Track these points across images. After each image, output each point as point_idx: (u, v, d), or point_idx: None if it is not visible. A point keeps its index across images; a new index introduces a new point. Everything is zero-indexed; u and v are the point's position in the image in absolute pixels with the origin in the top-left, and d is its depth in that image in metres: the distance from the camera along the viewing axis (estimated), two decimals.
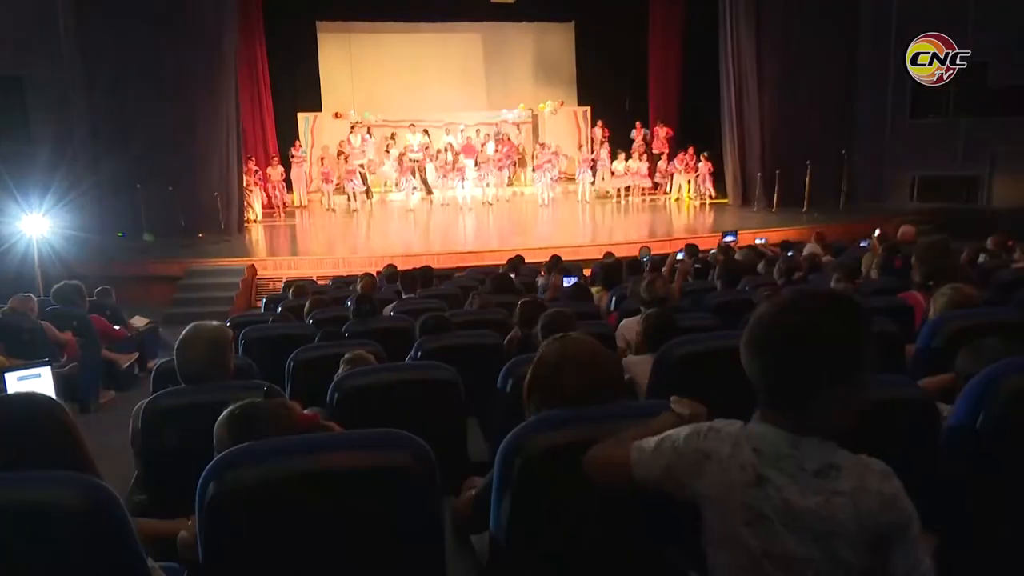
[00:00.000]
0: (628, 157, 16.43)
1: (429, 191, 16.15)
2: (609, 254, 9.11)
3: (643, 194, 16.72)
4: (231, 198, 13.08)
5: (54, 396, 2.16)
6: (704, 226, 13.26)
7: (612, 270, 6.23)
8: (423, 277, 6.44)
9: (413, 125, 16.80)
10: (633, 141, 16.93)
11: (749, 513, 1.29)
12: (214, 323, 2.71)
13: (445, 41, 18.51)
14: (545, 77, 19.07)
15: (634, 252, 9.37)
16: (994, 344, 2.12)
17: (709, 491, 1.34)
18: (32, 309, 6.13)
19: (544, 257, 8.60)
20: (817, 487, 1.25)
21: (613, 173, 16.43)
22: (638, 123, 17.22)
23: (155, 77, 12.36)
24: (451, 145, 16.58)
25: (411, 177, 15.45)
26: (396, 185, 16.01)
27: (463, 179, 15.69)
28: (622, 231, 13.43)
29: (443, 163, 16.13)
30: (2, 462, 1.55)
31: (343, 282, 8.39)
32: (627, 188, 16.50)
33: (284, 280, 9.68)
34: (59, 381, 5.57)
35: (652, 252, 9.21)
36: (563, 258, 8.36)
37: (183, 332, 2.58)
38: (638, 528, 1.65)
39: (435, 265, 8.01)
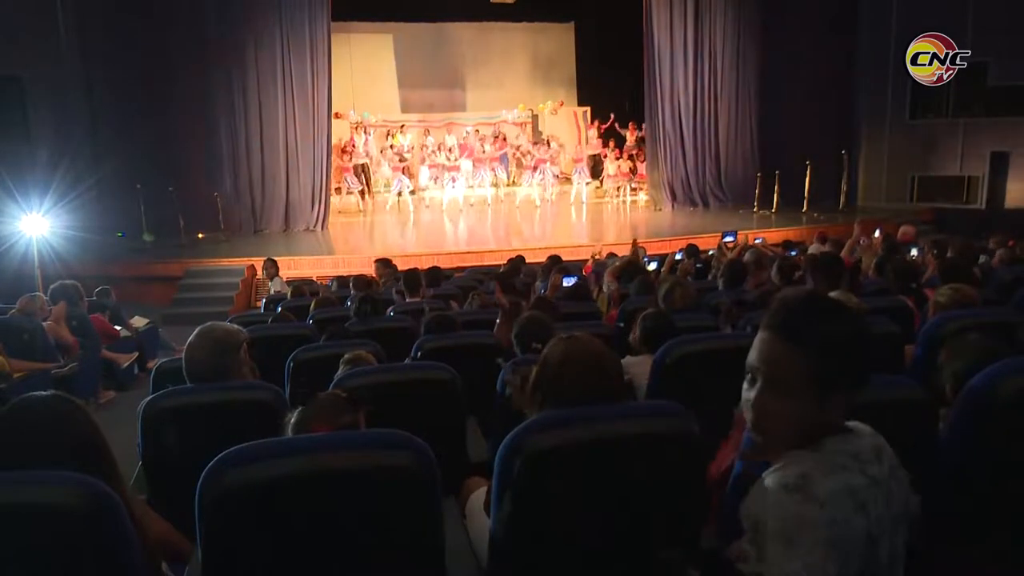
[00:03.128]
0: (619, 157, 16.43)
1: (414, 191, 16.16)
2: (612, 254, 9.11)
3: (633, 192, 16.75)
4: (321, 194, 13.72)
5: None
6: (703, 226, 13.25)
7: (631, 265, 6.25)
8: (430, 277, 6.39)
9: (403, 126, 16.86)
10: (626, 141, 16.93)
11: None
12: (228, 325, 2.70)
13: (445, 41, 18.51)
14: (545, 77, 19.07)
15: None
16: (979, 340, 2.13)
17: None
18: (43, 309, 6.16)
19: (544, 257, 8.57)
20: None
21: (610, 174, 16.43)
22: (631, 124, 17.21)
23: (155, 76, 12.39)
24: (448, 144, 16.57)
25: (402, 177, 15.48)
26: (387, 185, 16.02)
27: (459, 178, 15.69)
28: (620, 231, 13.41)
29: (439, 163, 16.09)
30: (28, 461, 1.56)
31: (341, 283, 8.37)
32: (618, 188, 16.49)
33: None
34: (58, 381, 5.60)
35: (649, 252, 9.19)
36: (563, 258, 8.34)
37: (195, 331, 2.59)
38: (638, 528, 1.65)
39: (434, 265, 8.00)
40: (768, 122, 15.34)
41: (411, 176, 16.12)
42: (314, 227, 13.75)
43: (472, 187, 15.99)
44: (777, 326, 1.22)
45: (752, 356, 1.25)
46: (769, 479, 1.19)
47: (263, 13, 13.08)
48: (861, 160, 15.11)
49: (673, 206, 15.10)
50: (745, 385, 1.27)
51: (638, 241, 9.60)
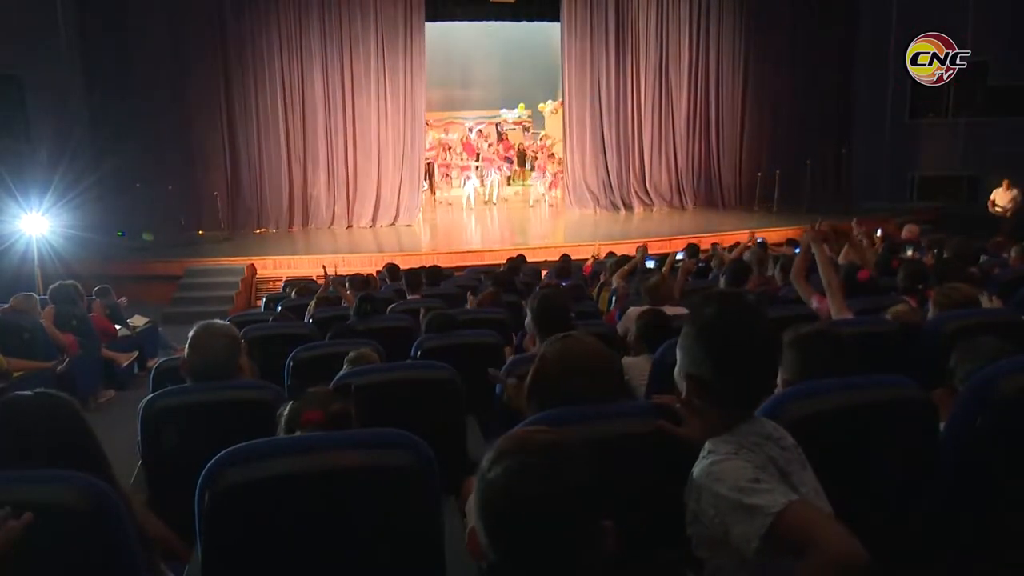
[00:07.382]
0: None
1: (433, 191, 16.17)
2: (611, 253, 9.11)
3: None
4: (415, 186, 14.20)
5: None
6: (702, 226, 13.24)
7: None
8: (430, 276, 6.39)
9: (428, 124, 16.89)
10: None
11: None
12: (228, 324, 2.71)
13: (445, 41, 18.48)
14: (545, 77, 19.06)
15: (631, 252, 9.34)
16: (991, 342, 2.12)
17: None
18: (35, 308, 6.14)
19: (544, 256, 8.58)
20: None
21: None
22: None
23: (155, 76, 12.39)
24: (451, 144, 16.61)
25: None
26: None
27: (467, 178, 15.72)
28: (621, 230, 13.40)
29: (445, 163, 16.15)
30: (16, 460, 1.56)
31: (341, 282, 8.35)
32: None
33: (284, 280, 9.67)
34: (58, 379, 5.60)
35: (649, 252, 9.18)
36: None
37: (196, 330, 2.55)
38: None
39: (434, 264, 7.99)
40: (767, 122, 15.31)
41: (431, 176, 16.16)
42: (408, 222, 13.97)
43: (480, 187, 16.03)
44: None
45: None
46: (697, 470, 1.36)
47: (362, 12, 13.56)
48: (860, 160, 15.11)
49: (596, 209, 14.85)
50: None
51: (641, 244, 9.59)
